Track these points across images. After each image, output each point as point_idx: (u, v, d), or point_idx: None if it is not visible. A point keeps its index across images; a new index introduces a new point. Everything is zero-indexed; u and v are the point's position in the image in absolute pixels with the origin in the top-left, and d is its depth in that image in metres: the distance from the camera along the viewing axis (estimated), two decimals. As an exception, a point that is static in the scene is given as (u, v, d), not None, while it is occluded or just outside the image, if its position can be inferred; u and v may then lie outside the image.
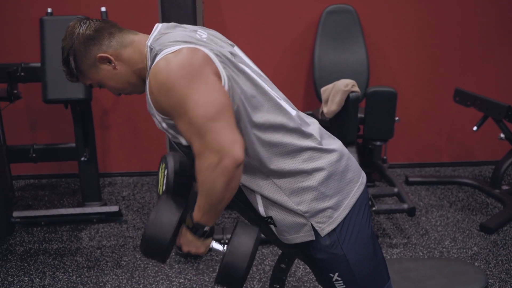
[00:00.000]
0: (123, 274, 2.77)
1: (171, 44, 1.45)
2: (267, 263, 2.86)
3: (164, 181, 1.65)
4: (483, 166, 4.16)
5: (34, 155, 3.36)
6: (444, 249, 3.00)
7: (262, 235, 1.67)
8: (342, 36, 3.61)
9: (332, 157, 1.60)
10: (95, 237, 3.12)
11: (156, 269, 2.82)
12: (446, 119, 4.00)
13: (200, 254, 1.57)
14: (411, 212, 3.00)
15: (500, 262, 2.88)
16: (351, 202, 1.61)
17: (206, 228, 1.51)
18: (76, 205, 3.43)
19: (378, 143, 3.27)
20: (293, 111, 1.62)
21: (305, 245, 1.64)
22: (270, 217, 1.61)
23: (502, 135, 3.61)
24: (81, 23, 1.55)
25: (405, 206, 3.01)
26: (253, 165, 1.53)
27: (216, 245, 1.56)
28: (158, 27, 1.57)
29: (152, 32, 1.55)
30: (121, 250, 2.99)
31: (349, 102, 3.04)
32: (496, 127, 3.68)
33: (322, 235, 1.58)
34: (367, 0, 3.66)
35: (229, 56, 1.51)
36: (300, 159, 1.56)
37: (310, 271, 2.75)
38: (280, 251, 1.88)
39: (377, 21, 3.71)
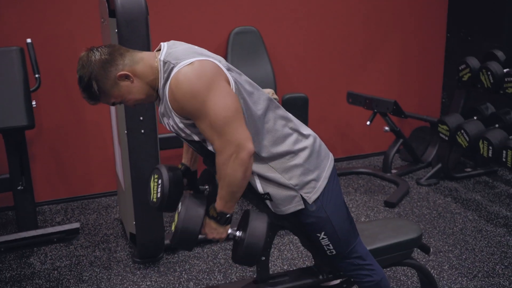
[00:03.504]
0: (89, 287, 2.90)
1: (184, 58, 1.76)
2: (221, 257, 3.16)
3: (159, 189, 1.97)
4: (371, 157, 4.86)
5: (-37, 190, 3.31)
6: (363, 224, 3.55)
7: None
8: (250, 53, 4.07)
9: (310, 139, 2.01)
10: (46, 260, 3.18)
11: (120, 277, 2.98)
12: (340, 119, 4.64)
13: (222, 238, 1.90)
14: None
15: (408, 228, 3.50)
16: (327, 174, 2.03)
17: (228, 215, 1.85)
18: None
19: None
20: (276, 102, 2.01)
21: (294, 215, 2.01)
22: (267, 193, 1.97)
23: (386, 128, 4.31)
24: (94, 52, 1.80)
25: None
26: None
27: (232, 231, 1.89)
28: (165, 45, 1.86)
29: (162, 50, 1.83)
30: (78, 267, 3.10)
31: (271, 108, 3.47)
32: (379, 124, 4.38)
33: (310, 203, 1.97)
34: (268, 22, 4.17)
35: (226, 63, 1.87)
36: (289, 142, 1.95)
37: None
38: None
39: (277, 39, 4.23)
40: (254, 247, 1.84)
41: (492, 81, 3.78)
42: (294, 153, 1.95)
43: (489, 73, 3.79)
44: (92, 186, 4.06)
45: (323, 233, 2.02)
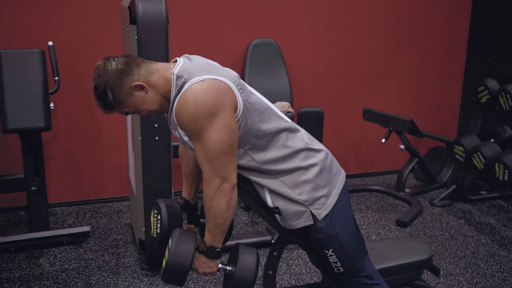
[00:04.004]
0: (96, 291, 2.92)
1: (196, 74, 1.78)
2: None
3: (158, 225, 2.01)
4: (384, 175, 4.82)
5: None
6: (373, 243, 3.52)
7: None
8: (267, 65, 4.08)
9: (322, 155, 2.00)
10: (55, 262, 3.19)
11: (128, 283, 2.99)
12: (354, 135, 4.62)
13: (213, 273, 1.90)
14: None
15: (418, 248, 3.46)
16: (338, 191, 2.02)
17: (218, 249, 1.86)
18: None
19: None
20: (288, 119, 2.01)
21: (303, 230, 2.00)
22: (277, 207, 1.96)
23: (402, 146, 4.28)
24: (110, 61, 1.81)
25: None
26: (263, 168, 1.89)
27: (223, 266, 1.90)
28: (181, 60, 1.88)
29: (178, 63, 1.85)
30: (86, 271, 3.11)
31: (286, 121, 3.47)
32: (395, 141, 4.35)
33: (319, 219, 1.96)
34: (286, 34, 4.19)
35: (239, 79, 1.87)
36: (299, 158, 1.94)
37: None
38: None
39: (295, 52, 4.24)
40: (245, 280, 1.85)
41: (511, 104, 3.74)
42: (305, 168, 1.94)
43: (508, 96, 3.75)
44: (105, 190, 4.08)
45: (331, 250, 2.01)
